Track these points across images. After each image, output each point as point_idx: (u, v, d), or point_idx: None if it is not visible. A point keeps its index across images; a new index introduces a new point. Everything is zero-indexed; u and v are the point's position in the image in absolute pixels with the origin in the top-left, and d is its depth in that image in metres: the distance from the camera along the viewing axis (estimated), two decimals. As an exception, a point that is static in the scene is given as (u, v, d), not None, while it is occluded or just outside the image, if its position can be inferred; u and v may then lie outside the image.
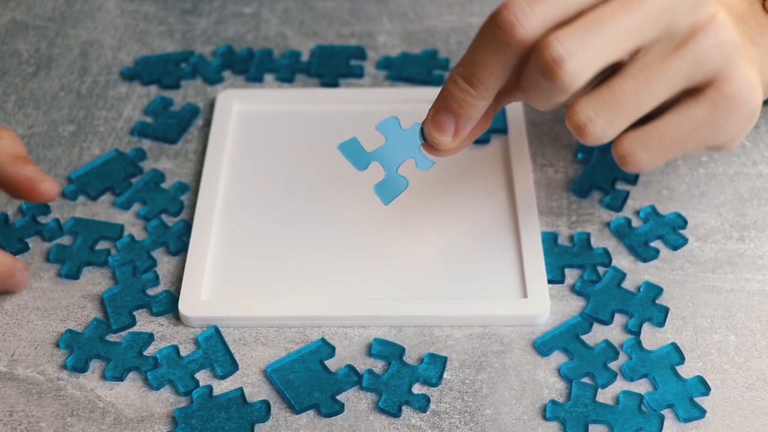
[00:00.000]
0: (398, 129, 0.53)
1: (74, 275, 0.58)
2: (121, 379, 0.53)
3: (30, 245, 0.59)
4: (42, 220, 0.61)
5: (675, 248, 0.59)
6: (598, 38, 0.47)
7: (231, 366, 0.53)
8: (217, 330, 0.55)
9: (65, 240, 0.60)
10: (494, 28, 0.48)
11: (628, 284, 0.57)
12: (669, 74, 0.48)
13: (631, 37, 0.47)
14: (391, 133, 0.53)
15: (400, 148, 0.53)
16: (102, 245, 0.59)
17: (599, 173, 0.62)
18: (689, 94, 0.50)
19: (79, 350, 0.54)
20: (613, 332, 0.55)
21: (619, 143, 0.50)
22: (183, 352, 0.54)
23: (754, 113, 0.51)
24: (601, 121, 0.48)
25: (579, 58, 0.47)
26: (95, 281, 0.57)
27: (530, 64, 0.48)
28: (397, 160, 0.53)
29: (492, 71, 0.49)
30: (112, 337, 0.55)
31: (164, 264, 0.58)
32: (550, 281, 0.57)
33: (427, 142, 0.52)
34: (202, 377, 0.53)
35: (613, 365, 0.53)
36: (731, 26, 0.49)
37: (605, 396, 0.52)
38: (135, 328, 0.55)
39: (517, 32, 0.47)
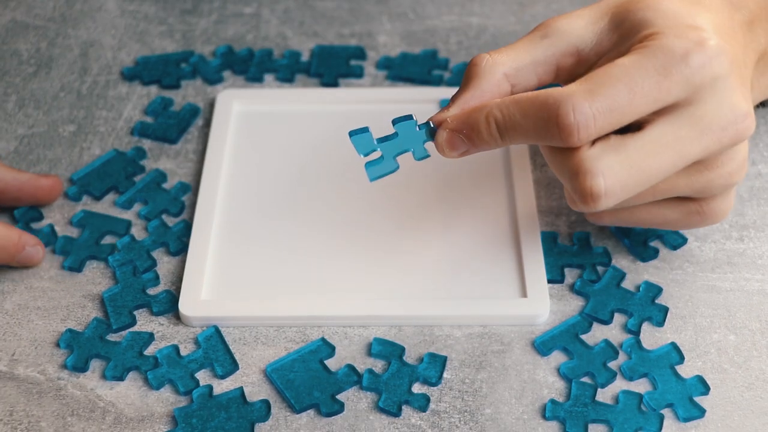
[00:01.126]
0: (413, 129, 0.52)
1: (77, 268, 0.58)
2: (121, 378, 0.53)
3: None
4: (36, 226, 0.60)
5: (674, 248, 0.59)
6: (638, 175, 0.48)
7: (231, 366, 0.53)
8: (217, 330, 0.55)
9: (72, 233, 0.60)
10: (551, 122, 0.47)
11: (627, 284, 0.57)
12: (673, 191, 0.52)
13: (666, 174, 0.49)
14: (404, 130, 0.53)
15: (405, 142, 0.53)
16: (108, 240, 0.59)
17: (599, 173, 0.62)
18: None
19: (80, 350, 0.54)
20: (613, 332, 0.55)
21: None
22: (183, 352, 0.54)
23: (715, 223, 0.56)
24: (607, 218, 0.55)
25: (614, 194, 0.48)
26: (96, 281, 0.58)
27: (565, 163, 0.48)
28: (398, 149, 0.53)
29: (526, 141, 0.50)
30: (112, 337, 0.55)
31: (164, 264, 0.58)
32: (549, 281, 0.57)
33: (432, 141, 0.52)
34: (202, 377, 0.53)
35: (613, 365, 0.53)
36: (745, 166, 0.52)
37: (605, 395, 0.52)
38: (135, 328, 0.55)
39: (573, 142, 0.47)
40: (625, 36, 0.50)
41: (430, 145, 0.53)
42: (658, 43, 0.48)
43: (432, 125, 0.52)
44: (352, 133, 0.52)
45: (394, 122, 0.53)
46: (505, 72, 0.51)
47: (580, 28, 0.52)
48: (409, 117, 0.52)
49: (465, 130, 0.50)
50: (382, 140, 0.52)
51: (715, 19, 0.50)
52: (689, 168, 0.50)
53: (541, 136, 0.48)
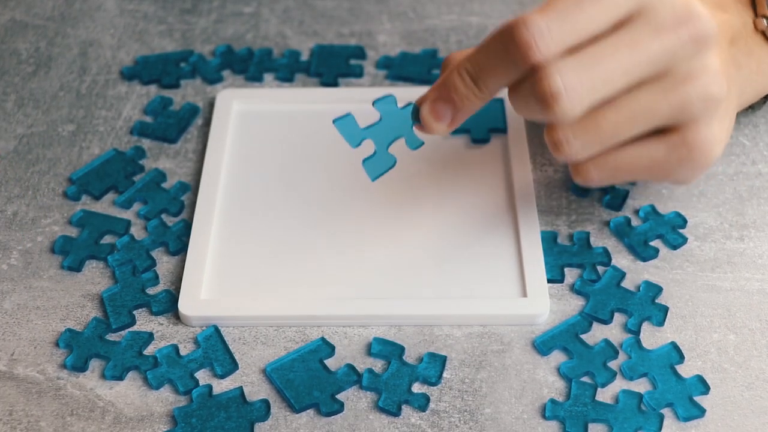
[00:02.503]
0: (394, 107, 0.53)
1: (77, 268, 0.58)
2: (120, 378, 0.53)
3: (31, 242, 0.59)
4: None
5: (674, 247, 0.59)
6: (598, 75, 0.48)
7: (231, 365, 0.53)
8: (216, 329, 0.55)
9: (72, 232, 0.60)
10: (510, 44, 0.48)
11: (627, 283, 0.57)
12: (652, 114, 0.50)
13: (629, 76, 0.49)
14: (387, 110, 0.53)
15: (394, 126, 0.53)
16: (107, 239, 0.59)
17: (599, 172, 0.62)
18: (654, 132, 0.51)
19: (79, 349, 0.54)
20: (613, 331, 0.55)
21: None
22: (183, 352, 0.54)
23: (708, 166, 0.52)
24: (578, 144, 0.50)
25: (576, 94, 0.48)
26: (95, 280, 0.57)
27: (526, 84, 0.49)
28: (389, 137, 0.53)
29: (499, 80, 0.50)
30: (111, 337, 0.55)
31: (164, 264, 0.58)
32: (549, 280, 0.57)
33: (419, 123, 0.53)
34: (202, 376, 0.53)
35: (613, 364, 0.53)
36: (722, 79, 0.50)
37: (605, 395, 0.52)
38: (134, 328, 0.55)
39: (533, 55, 0.48)
40: None
41: (422, 136, 0.53)
42: None
43: (415, 105, 0.53)
44: (336, 120, 0.53)
45: (374, 102, 0.53)
46: None
47: None
48: (389, 96, 0.53)
49: (443, 93, 0.51)
50: (369, 127, 0.53)
51: None
52: (661, 81, 0.49)
53: (507, 67, 0.49)
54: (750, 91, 0.57)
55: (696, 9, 0.49)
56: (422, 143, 0.54)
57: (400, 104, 0.53)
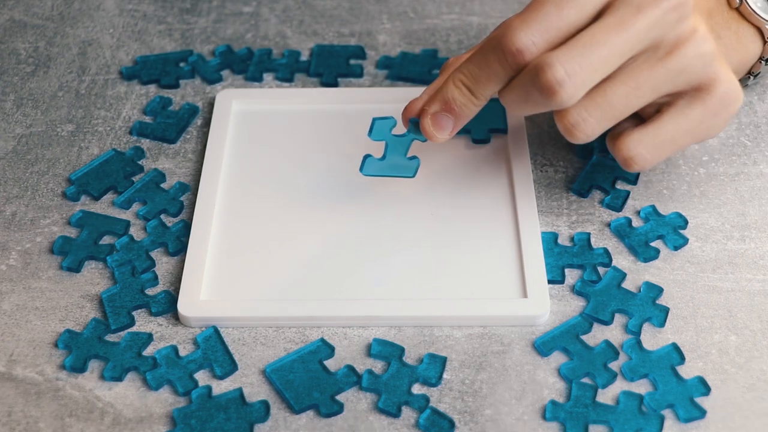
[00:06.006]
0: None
1: (76, 268, 0.58)
2: (120, 379, 0.53)
3: (30, 242, 0.59)
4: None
5: (675, 248, 0.59)
6: (596, 58, 0.51)
7: (230, 366, 0.53)
8: (216, 330, 0.55)
9: (71, 233, 0.60)
10: (500, 54, 0.52)
11: (628, 284, 0.57)
12: (655, 80, 0.53)
13: (623, 54, 0.52)
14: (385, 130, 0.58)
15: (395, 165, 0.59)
16: (106, 240, 0.59)
17: (599, 173, 0.62)
18: (681, 97, 0.55)
19: (78, 350, 0.54)
20: (614, 332, 0.55)
21: (623, 146, 0.55)
22: (182, 353, 0.54)
23: (737, 109, 0.56)
24: (593, 121, 0.53)
25: (579, 78, 0.51)
26: (94, 281, 0.57)
27: (524, 78, 0.52)
28: (403, 149, 0.58)
29: (493, 86, 0.54)
30: (110, 338, 0.55)
31: (163, 264, 0.58)
32: (550, 281, 0.57)
33: (418, 134, 0.57)
34: (201, 377, 0.53)
35: (614, 365, 0.53)
36: (710, 38, 0.54)
37: (605, 396, 0.52)
38: (134, 329, 0.55)
39: (521, 59, 0.52)
40: None
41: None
42: None
43: (412, 119, 0.57)
44: (376, 118, 0.57)
45: (374, 120, 0.57)
46: None
47: None
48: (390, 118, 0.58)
49: (443, 106, 0.55)
50: (396, 135, 0.57)
51: None
52: (655, 51, 0.53)
53: (500, 74, 0.53)
54: (733, 63, 0.59)
55: None
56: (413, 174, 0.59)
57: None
